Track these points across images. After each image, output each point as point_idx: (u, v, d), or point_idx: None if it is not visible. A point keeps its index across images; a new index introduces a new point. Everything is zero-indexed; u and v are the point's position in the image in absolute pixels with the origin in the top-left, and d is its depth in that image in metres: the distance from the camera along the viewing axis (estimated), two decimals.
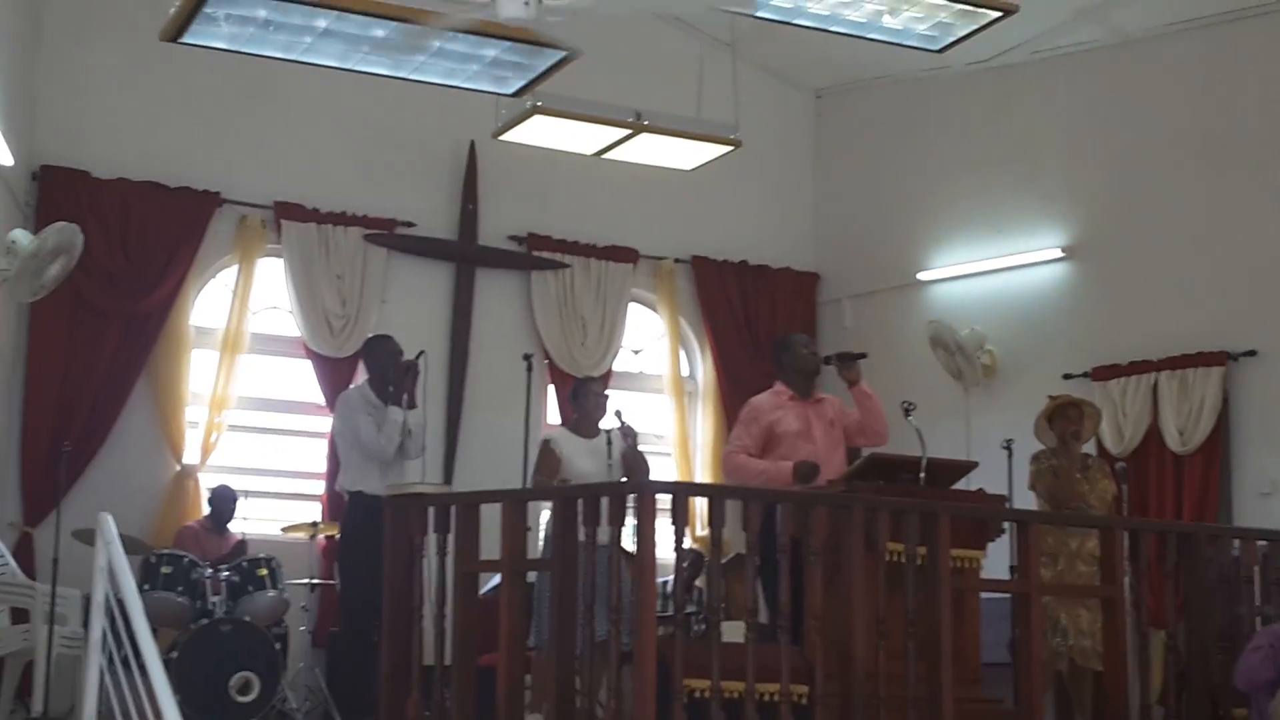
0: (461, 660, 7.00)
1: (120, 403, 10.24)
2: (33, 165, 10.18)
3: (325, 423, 10.86)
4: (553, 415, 11.39)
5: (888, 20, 7.74)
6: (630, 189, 11.61)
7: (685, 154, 9.80)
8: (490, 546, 6.97)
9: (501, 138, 9.41)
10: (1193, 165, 10.48)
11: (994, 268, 11.44)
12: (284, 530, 10.01)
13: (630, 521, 6.56)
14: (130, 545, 7.83)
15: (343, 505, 8.68)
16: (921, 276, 11.87)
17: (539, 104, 8.91)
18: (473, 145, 11.32)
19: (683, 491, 6.85)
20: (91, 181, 10.30)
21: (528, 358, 8.52)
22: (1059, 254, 11.10)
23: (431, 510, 7.27)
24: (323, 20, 7.52)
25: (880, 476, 7.43)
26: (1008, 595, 7.42)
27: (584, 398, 8.44)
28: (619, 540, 6.61)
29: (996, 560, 7.61)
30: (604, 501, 6.60)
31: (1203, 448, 10.01)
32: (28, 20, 10.09)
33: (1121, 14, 10.60)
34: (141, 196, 10.44)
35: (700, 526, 10.65)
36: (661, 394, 12.07)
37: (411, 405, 8.42)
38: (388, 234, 11.16)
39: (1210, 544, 7.57)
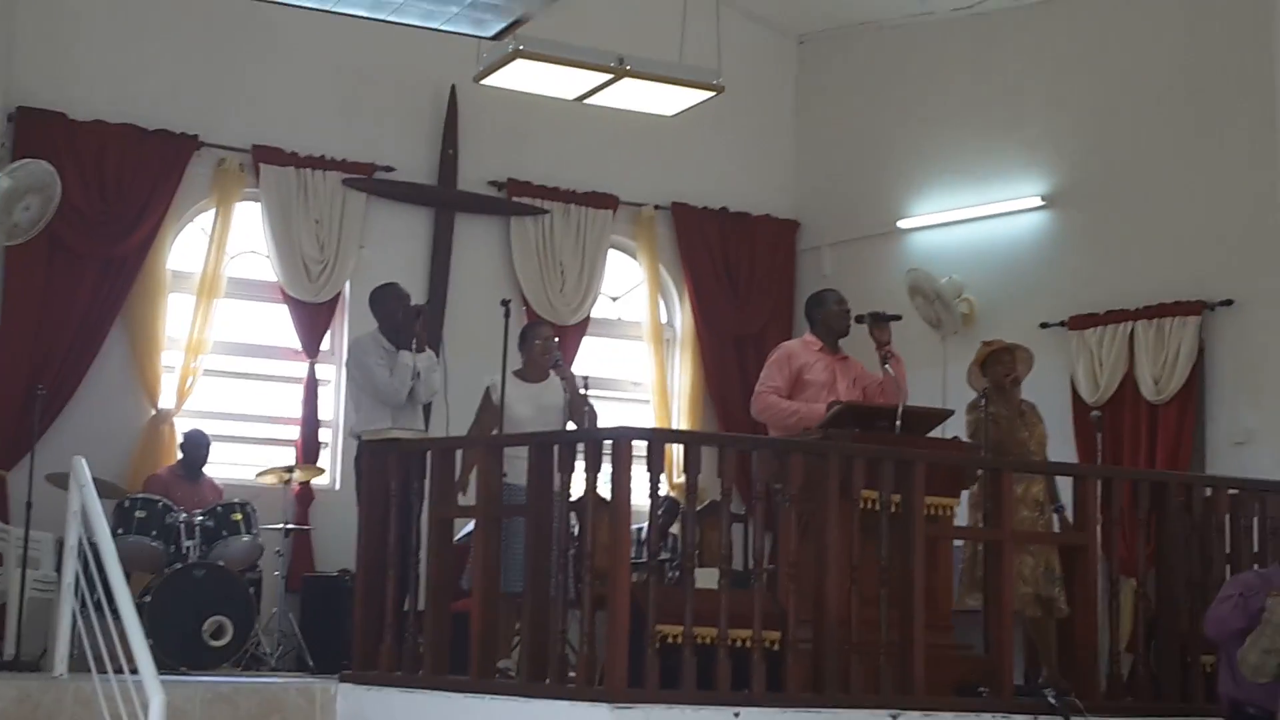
0: (435, 606, 7.02)
1: (95, 346, 10.20)
2: (9, 107, 10.11)
3: (302, 368, 10.88)
4: None
5: None
6: (611, 135, 11.55)
7: (667, 100, 9.74)
8: None
9: (482, 82, 9.35)
10: (1173, 115, 10.46)
11: (973, 216, 11.42)
12: (258, 475, 10.01)
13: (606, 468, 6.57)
14: (104, 489, 7.83)
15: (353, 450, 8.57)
16: (901, 224, 11.85)
17: (521, 48, 8.86)
18: (453, 89, 11.25)
19: (658, 438, 6.85)
20: (68, 123, 10.23)
21: (506, 303, 8.49)
22: (1039, 203, 11.09)
23: (406, 455, 7.28)
24: None
25: (856, 424, 7.43)
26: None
27: (529, 342, 8.52)
28: (594, 487, 6.62)
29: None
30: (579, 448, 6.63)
31: (1178, 397, 10.03)
32: None
33: None
34: (119, 139, 10.37)
35: (677, 473, 10.67)
36: (640, 341, 12.06)
37: (420, 349, 8.45)
38: (366, 178, 11.11)
39: (1182, 492, 7.60)
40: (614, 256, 12.10)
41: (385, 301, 8.73)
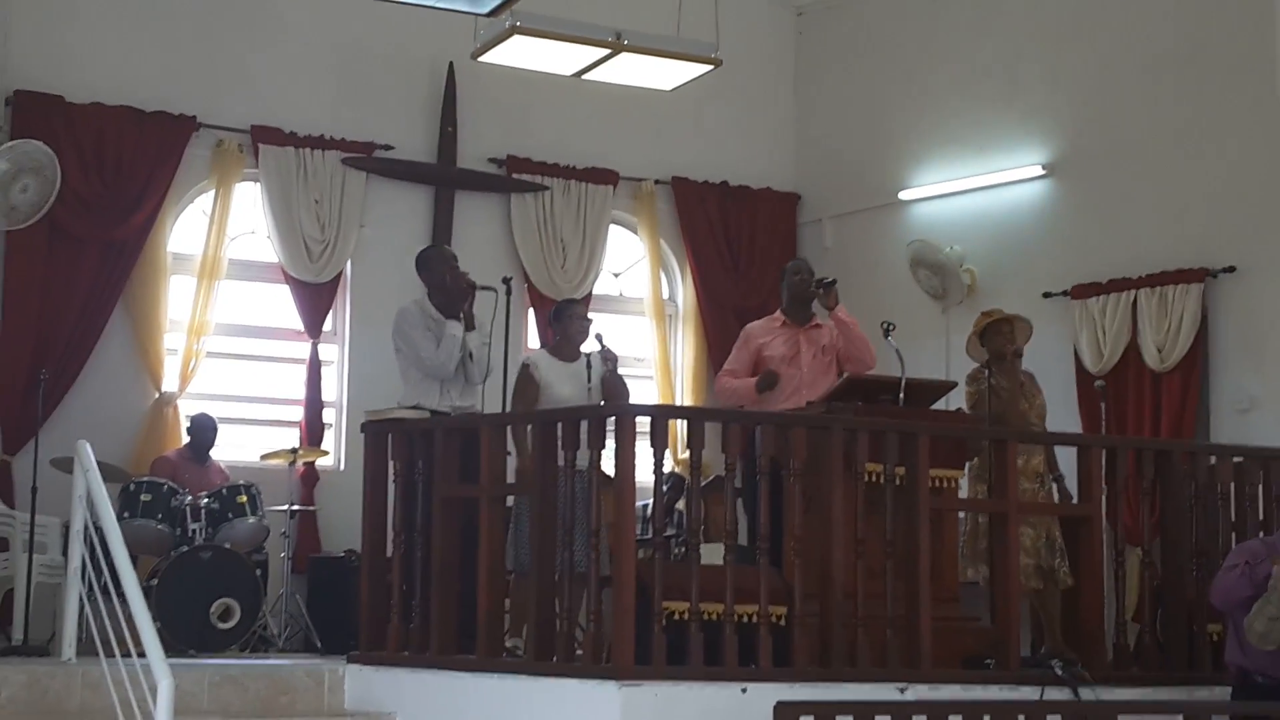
0: (441, 586, 7.03)
1: (98, 330, 10.19)
2: (6, 90, 10.08)
3: (304, 349, 10.87)
4: (532, 339, 11.39)
5: None
6: (610, 110, 11.53)
7: (665, 74, 9.73)
8: None
9: (480, 59, 9.33)
10: (1173, 82, 10.42)
11: (974, 186, 11.39)
12: (263, 457, 10.01)
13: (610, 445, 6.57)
14: (109, 473, 7.84)
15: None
16: (903, 196, 11.82)
17: (518, 24, 8.83)
18: (451, 67, 11.21)
19: (662, 414, 6.87)
20: (66, 106, 10.20)
21: (507, 281, 8.47)
22: (1040, 171, 11.06)
23: (411, 435, 7.28)
24: None
25: (859, 397, 7.45)
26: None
27: (566, 320, 8.36)
28: (598, 464, 6.62)
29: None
30: (583, 425, 6.62)
31: (1181, 365, 10.01)
32: None
33: None
34: (117, 121, 10.34)
35: (681, 449, 10.66)
36: (642, 316, 12.04)
37: (470, 326, 8.18)
38: (366, 157, 11.08)
39: (1187, 461, 7.59)
40: (615, 232, 12.08)
41: (432, 265, 8.46)
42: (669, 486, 8.87)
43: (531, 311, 11.42)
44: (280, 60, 10.97)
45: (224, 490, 9.27)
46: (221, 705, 7.00)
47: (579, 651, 6.62)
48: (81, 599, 7.20)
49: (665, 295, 12.20)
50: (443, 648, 6.96)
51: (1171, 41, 10.47)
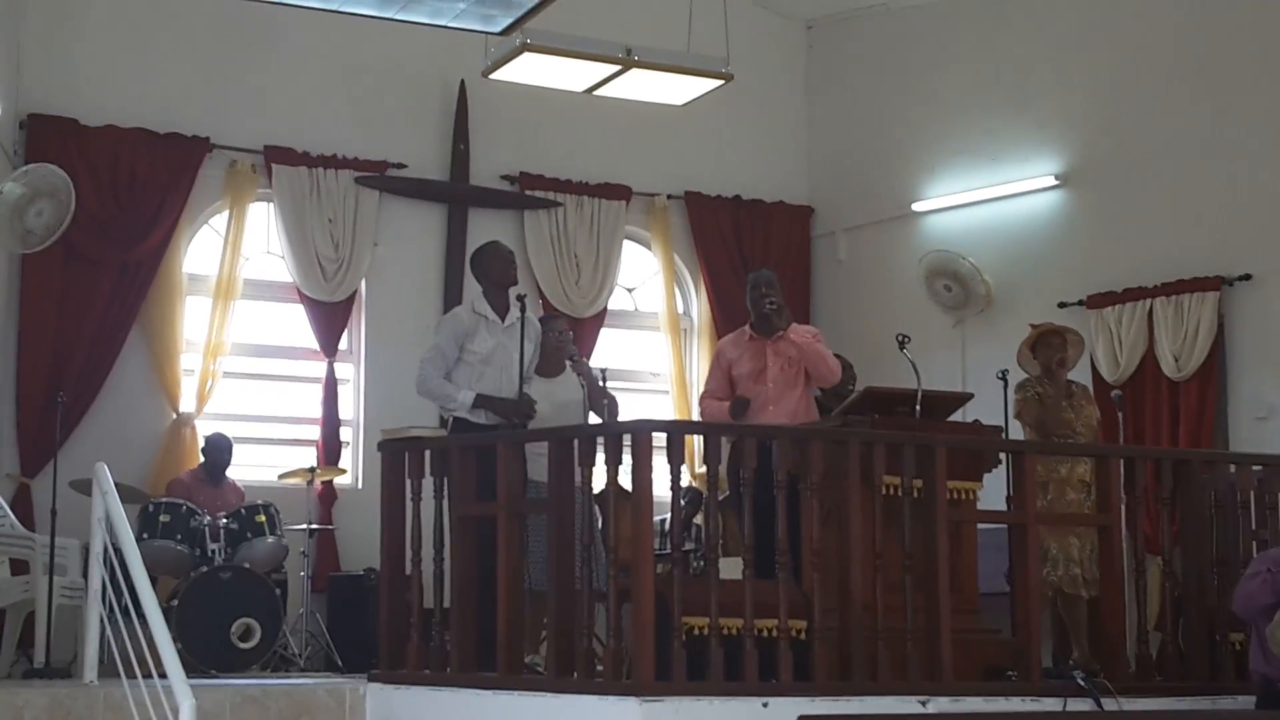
0: (460, 603, 7.02)
1: (114, 352, 10.22)
2: (20, 114, 10.12)
3: (320, 368, 10.88)
4: None
5: None
6: (622, 125, 11.54)
7: (676, 89, 9.75)
8: None
9: (491, 76, 9.35)
10: (1186, 90, 10.41)
11: (988, 197, 11.39)
12: (280, 476, 10.02)
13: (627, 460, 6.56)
14: (127, 494, 7.85)
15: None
16: (916, 207, 11.82)
17: (528, 41, 8.84)
18: (463, 85, 11.24)
19: (678, 430, 6.86)
20: (80, 129, 10.24)
21: (521, 298, 8.49)
22: (1053, 182, 11.05)
23: (428, 453, 7.29)
24: None
25: (876, 410, 7.44)
26: (1004, 525, 7.43)
27: (543, 335, 8.29)
28: (615, 480, 6.61)
29: (993, 491, 7.61)
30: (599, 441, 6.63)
31: (1198, 373, 10.00)
32: None
33: None
34: (131, 143, 10.38)
35: (698, 464, 10.65)
36: (657, 331, 12.05)
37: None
38: (379, 176, 11.11)
39: (1205, 470, 7.57)
40: (629, 247, 12.09)
41: (485, 262, 8.22)
42: (686, 501, 8.86)
43: None
44: (292, 80, 11.00)
45: (243, 510, 9.28)
46: None
47: (599, 668, 6.61)
48: (102, 621, 7.20)
49: (680, 310, 12.20)
50: (463, 665, 6.95)
51: (1183, 48, 10.47)
